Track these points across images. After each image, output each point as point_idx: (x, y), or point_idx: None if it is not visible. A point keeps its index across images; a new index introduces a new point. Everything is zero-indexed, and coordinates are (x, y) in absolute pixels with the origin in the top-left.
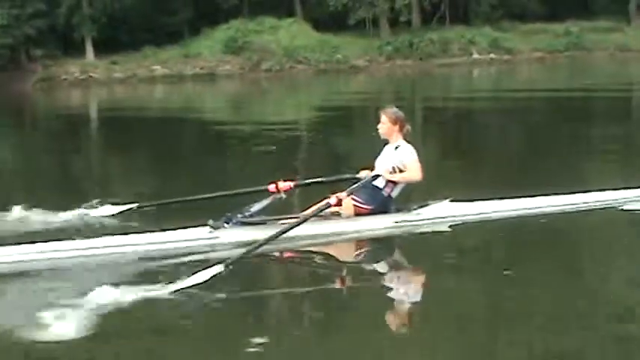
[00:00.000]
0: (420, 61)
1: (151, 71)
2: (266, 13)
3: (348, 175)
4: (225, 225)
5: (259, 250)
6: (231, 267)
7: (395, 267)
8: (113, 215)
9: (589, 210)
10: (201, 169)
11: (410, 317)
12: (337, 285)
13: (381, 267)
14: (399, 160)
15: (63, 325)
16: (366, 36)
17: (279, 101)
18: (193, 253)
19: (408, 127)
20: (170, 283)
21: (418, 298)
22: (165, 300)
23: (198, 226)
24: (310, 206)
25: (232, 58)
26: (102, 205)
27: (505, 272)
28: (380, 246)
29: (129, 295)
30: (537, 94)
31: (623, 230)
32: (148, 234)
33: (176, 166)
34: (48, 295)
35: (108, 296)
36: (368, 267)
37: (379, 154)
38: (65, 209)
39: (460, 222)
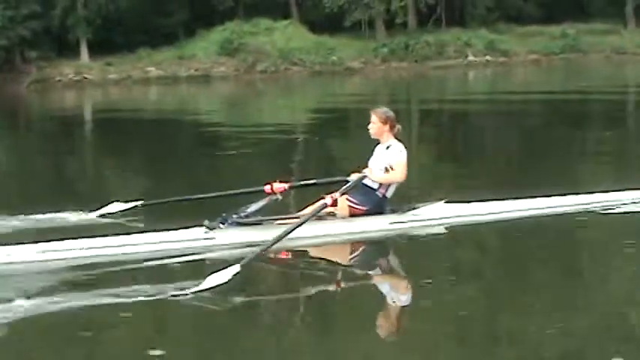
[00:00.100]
0: (416, 64)
1: (145, 73)
2: (262, 14)
3: (339, 178)
4: (221, 225)
5: (272, 248)
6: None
7: (390, 269)
8: (119, 212)
9: (584, 211)
10: (195, 171)
11: (405, 320)
12: (332, 287)
13: (375, 269)
14: (388, 160)
15: None
16: (362, 38)
17: (274, 103)
18: (189, 254)
19: (398, 126)
20: (182, 284)
21: (413, 301)
22: (169, 302)
23: (194, 226)
24: (306, 207)
25: (227, 59)
26: (109, 203)
27: (500, 273)
28: (375, 248)
29: (143, 297)
30: (533, 96)
31: (618, 231)
32: (144, 234)
33: (169, 167)
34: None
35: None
36: (363, 269)
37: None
38: (61, 210)
39: (455, 223)
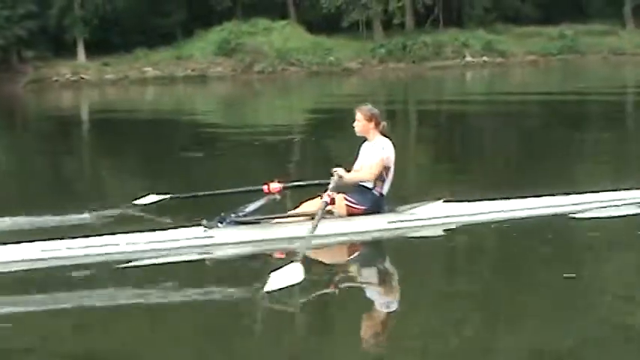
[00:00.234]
0: (413, 64)
1: (142, 73)
2: (260, 15)
3: (328, 181)
4: (219, 225)
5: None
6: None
7: (388, 269)
8: (147, 205)
9: (582, 211)
10: (191, 171)
11: (404, 321)
12: (328, 288)
13: (373, 269)
14: (367, 158)
15: None
16: (360, 38)
17: (271, 103)
18: (187, 253)
19: (383, 123)
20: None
21: (411, 302)
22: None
23: (193, 225)
24: (297, 206)
25: (224, 59)
26: (146, 195)
27: (498, 273)
28: (373, 248)
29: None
30: (530, 97)
31: (617, 231)
32: (143, 234)
33: (165, 167)
34: None
35: None
36: (360, 269)
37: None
38: (71, 210)
39: (453, 222)
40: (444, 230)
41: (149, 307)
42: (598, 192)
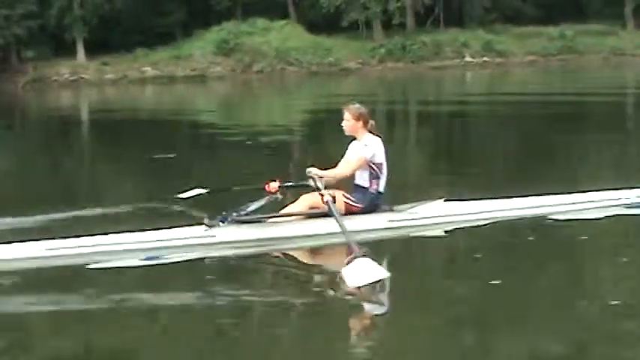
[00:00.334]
0: (412, 64)
1: (141, 73)
2: (260, 14)
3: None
4: (221, 224)
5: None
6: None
7: (388, 269)
8: (186, 199)
9: (583, 210)
10: (191, 171)
11: (402, 322)
12: (328, 288)
13: None
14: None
15: None
16: (360, 38)
17: (270, 103)
18: (189, 252)
19: (371, 121)
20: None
21: (410, 303)
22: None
23: (194, 224)
24: (288, 204)
25: (224, 59)
26: (193, 188)
27: (499, 272)
28: (373, 247)
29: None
30: (529, 97)
31: (618, 230)
32: (144, 232)
33: (165, 167)
34: None
35: None
36: None
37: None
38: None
39: (454, 222)
40: (445, 230)
41: (150, 306)
42: (598, 191)
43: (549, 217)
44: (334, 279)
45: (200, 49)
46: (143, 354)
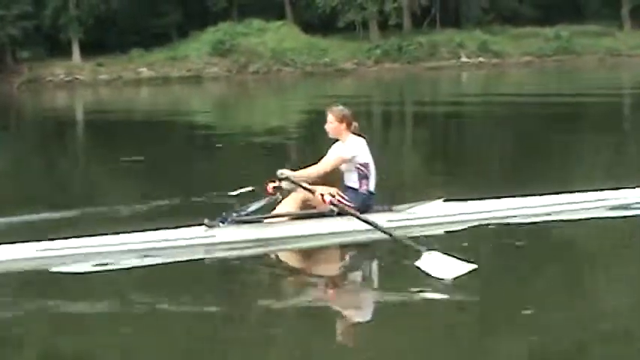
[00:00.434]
0: (409, 65)
1: (137, 74)
2: (256, 15)
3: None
4: (221, 224)
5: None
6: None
7: (386, 269)
8: (234, 196)
9: (582, 209)
10: (186, 172)
11: (401, 323)
12: (326, 289)
13: (369, 270)
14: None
15: None
16: (356, 39)
17: (266, 104)
18: (189, 252)
19: (355, 123)
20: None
21: (408, 303)
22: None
23: (194, 225)
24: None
25: (219, 60)
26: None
27: (498, 273)
28: (371, 247)
29: None
30: (524, 98)
31: (618, 229)
32: (144, 233)
33: (160, 168)
34: None
35: None
36: (357, 270)
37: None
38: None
39: (454, 222)
40: (446, 231)
41: (150, 306)
42: (596, 191)
43: (549, 217)
44: (334, 279)
45: (196, 50)
46: (142, 354)
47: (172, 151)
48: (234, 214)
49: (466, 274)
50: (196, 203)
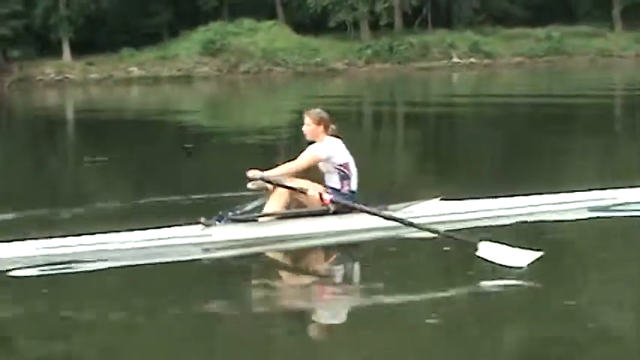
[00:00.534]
0: (399, 65)
1: (127, 73)
2: (247, 15)
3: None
4: (217, 223)
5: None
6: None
7: (384, 269)
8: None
9: (577, 209)
10: (176, 172)
11: (399, 324)
12: (324, 289)
13: (367, 270)
14: None
15: None
16: (347, 39)
17: (256, 104)
18: (185, 251)
19: (332, 126)
20: None
21: (407, 303)
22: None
23: (191, 223)
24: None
25: (210, 60)
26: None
27: (496, 273)
28: (368, 246)
29: None
30: (516, 99)
31: (617, 228)
32: (140, 232)
33: (149, 168)
34: None
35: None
36: (353, 270)
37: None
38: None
39: (451, 221)
40: (444, 229)
41: (145, 305)
42: (596, 190)
43: (547, 215)
44: (330, 277)
45: (186, 50)
46: (140, 354)
47: (160, 151)
48: (231, 213)
49: (536, 260)
50: (195, 201)
